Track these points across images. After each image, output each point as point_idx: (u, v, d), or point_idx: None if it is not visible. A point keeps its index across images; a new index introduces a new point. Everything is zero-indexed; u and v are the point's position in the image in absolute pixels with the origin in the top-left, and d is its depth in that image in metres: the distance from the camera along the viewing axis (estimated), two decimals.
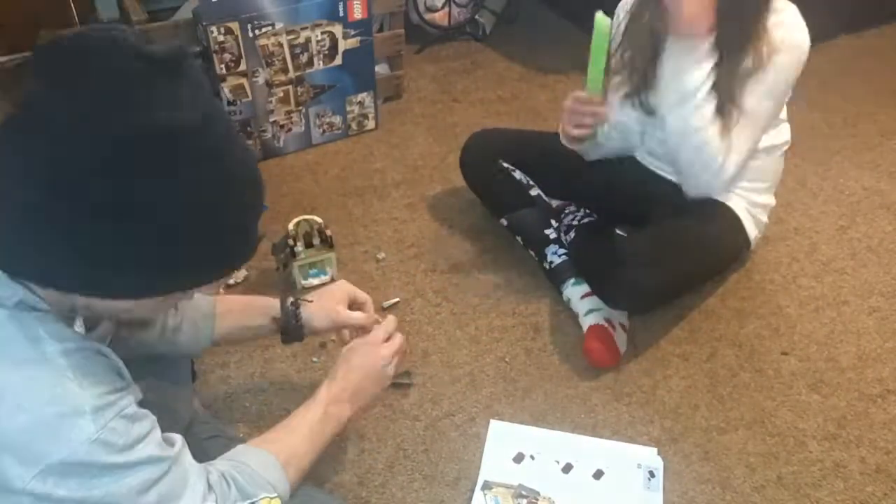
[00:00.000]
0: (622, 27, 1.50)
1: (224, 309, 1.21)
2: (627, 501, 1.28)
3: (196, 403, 1.36)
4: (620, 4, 1.54)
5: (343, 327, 1.29)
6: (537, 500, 1.27)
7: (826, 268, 1.77)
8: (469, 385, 1.48)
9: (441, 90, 2.42)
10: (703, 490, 1.31)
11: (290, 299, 1.24)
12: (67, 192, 0.69)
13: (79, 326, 0.86)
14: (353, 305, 1.28)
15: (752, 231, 1.61)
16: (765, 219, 1.64)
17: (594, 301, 1.54)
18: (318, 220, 1.65)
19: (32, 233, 0.71)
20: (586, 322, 1.54)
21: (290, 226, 1.63)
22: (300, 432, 1.06)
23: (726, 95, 1.38)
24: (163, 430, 1.01)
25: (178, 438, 0.89)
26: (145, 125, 0.69)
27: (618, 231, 1.65)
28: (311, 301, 1.24)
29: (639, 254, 1.46)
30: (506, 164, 1.72)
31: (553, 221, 1.69)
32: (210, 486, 0.89)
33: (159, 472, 0.81)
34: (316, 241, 1.64)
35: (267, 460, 0.99)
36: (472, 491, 1.29)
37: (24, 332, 0.74)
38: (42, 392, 0.73)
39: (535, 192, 1.71)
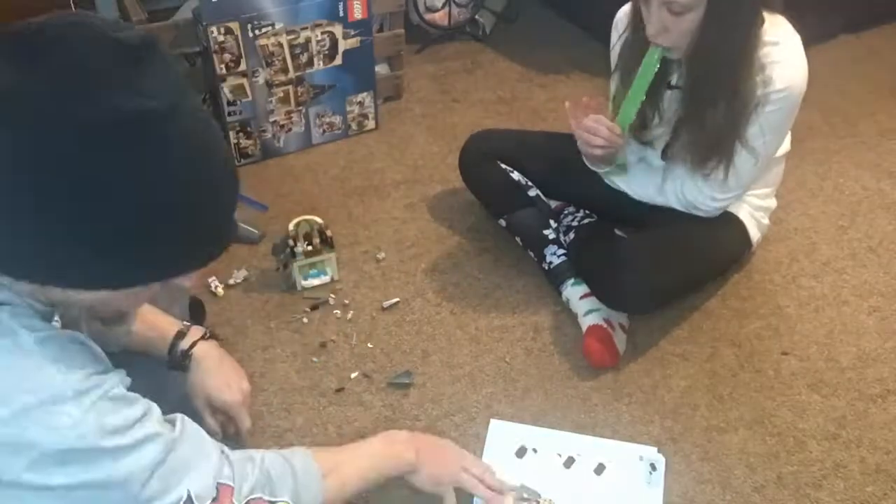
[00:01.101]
0: (616, 49, 1.51)
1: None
2: (628, 496, 1.28)
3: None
4: (615, 21, 1.52)
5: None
6: (539, 500, 1.27)
7: (826, 268, 1.77)
8: (469, 385, 1.48)
9: (441, 90, 2.42)
10: (703, 490, 1.31)
11: (182, 349, 1.22)
12: (32, 180, 0.68)
13: (56, 322, 0.86)
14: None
15: (755, 233, 1.61)
16: (766, 221, 1.64)
17: (593, 301, 1.54)
18: (319, 220, 1.65)
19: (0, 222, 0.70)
20: (586, 322, 1.54)
21: (290, 226, 1.63)
22: (355, 454, 1.07)
23: (713, 145, 1.39)
24: None
25: (178, 417, 0.88)
26: (110, 111, 0.68)
27: (617, 232, 1.65)
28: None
29: (640, 258, 1.46)
30: (504, 165, 1.72)
31: (552, 222, 1.69)
32: (230, 463, 0.89)
33: (163, 451, 0.80)
34: (316, 241, 1.64)
35: (310, 468, 0.98)
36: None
37: None
38: (21, 382, 0.72)
39: (533, 192, 1.71)
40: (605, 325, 1.51)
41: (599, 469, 1.32)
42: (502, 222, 1.73)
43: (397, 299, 1.66)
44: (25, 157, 0.68)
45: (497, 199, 1.75)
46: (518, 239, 1.72)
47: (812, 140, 2.19)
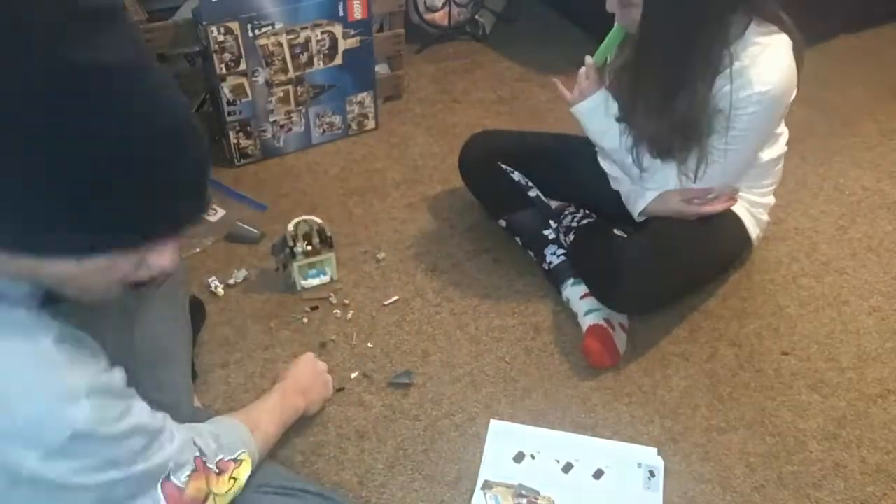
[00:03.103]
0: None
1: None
2: (627, 501, 1.28)
3: (196, 402, 1.37)
4: None
5: None
6: (537, 499, 1.27)
7: (826, 268, 1.77)
8: (469, 385, 1.48)
9: (441, 90, 2.42)
10: (703, 490, 1.31)
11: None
12: None
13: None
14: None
15: (754, 230, 1.61)
16: (766, 217, 1.64)
17: (593, 301, 1.54)
18: (318, 220, 1.65)
19: None
20: (586, 322, 1.53)
21: (290, 226, 1.62)
22: (263, 410, 1.22)
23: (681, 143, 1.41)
24: None
25: (159, 413, 0.93)
26: (62, 63, 0.66)
27: (616, 232, 1.65)
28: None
29: (640, 259, 1.46)
30: (504, 166, 1.72)
31: (552, 222, 1.69)
32: (199, 447, 0.98)
33: (149, 438, 0.87)
34: (315, 241, 1.64)
35: (239, 426, 1.11)
36: (473, 491, 1.29)
37: (10, 320, 0.76)
38: (37, 378, 0.76)
39: (533, 192, 1.71)
40: (605, 325, 1.51)
41: (598, 474, 1.32)
42: (502, 223, 1.73)
43: (397, 298, 1.66)
44: None
45: (497, 200, 1.75)
46: (518, 239, 1.72)
47: (812, 140, 2.19)
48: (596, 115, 1.52)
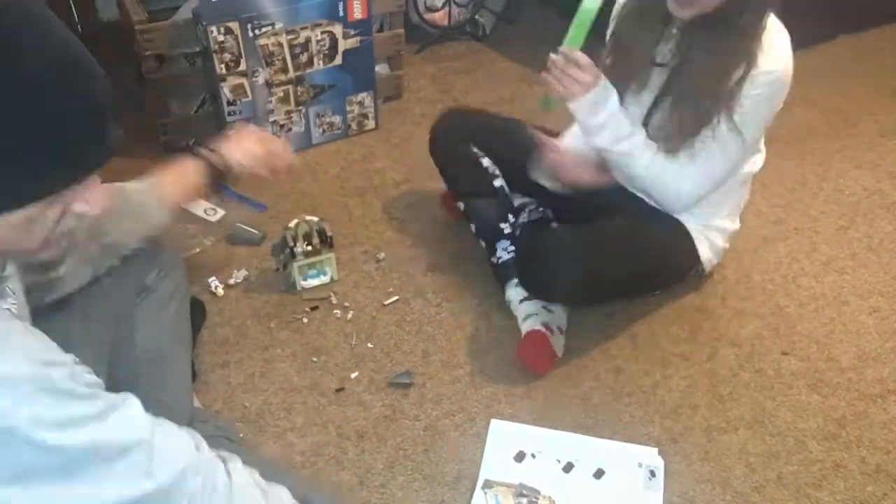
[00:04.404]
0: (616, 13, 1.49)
1: (167, 193, 1.20)
2: (627, 501, 1.28)
3: (196, 402, 1.37)
4: None
5: (265, 162, 1.34)
6: (538, 499, 1.27)
7: (826, 268, 1.77)
8: (469, 385, 1.48)
9: (441, 90, 2.42)
10: (703, 490, 1.31)
11: (202, 150, 1.27)
12: None
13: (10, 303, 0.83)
14: (264, 145, 1.35)
15: (705, 253, 1.56)
16: (722, 243, 1.59)
17: (532, 305, 1.53)
18: (318, 219, 1.65)
19: None
20: (524, 327, 1.53)
21: (290, 226, 1.62)
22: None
23: (688, 123, 1.36)
24: None
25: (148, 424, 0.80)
26: None
27: (553, 225, 1.63)
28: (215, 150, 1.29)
29: (562, 246, 1.43)
30: (476, 149, 1.68)
31: (511, 216, 1.65)
32: (199, 449, 0.84)
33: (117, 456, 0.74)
34: (315, 241, 1.64)
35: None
36: (473, 490, 1.29)
37: None
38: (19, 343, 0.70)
39: (498, 182, 1.67)
40: (543, 331, 1.50)
41: (599, 474, 1.32)
42: (461, 205, 1.70)
43: (397, 298, 1.66)
44: None
45: (461, 182, 1.72)
46: (472, 226, 1.68)
47: (812, 140, 2.19)
48: (598, 108, 1.40)
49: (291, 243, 1.61)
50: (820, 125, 2.26)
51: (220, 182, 1.28)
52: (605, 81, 1.39)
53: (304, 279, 1.66)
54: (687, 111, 1.37)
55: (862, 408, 1.45)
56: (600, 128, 1.41)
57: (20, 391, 0.67)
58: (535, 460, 1.34)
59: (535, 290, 1.50)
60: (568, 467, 1.33)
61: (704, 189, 1.45)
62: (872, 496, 1.30)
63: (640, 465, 1.33)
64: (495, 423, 1.40)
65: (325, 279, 1.68)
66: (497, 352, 1.55)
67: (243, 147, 1.30)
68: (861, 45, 2.69)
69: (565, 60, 1.36)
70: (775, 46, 1.32)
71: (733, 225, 1.60)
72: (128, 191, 1.15)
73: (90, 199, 0.76)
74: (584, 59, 1.36)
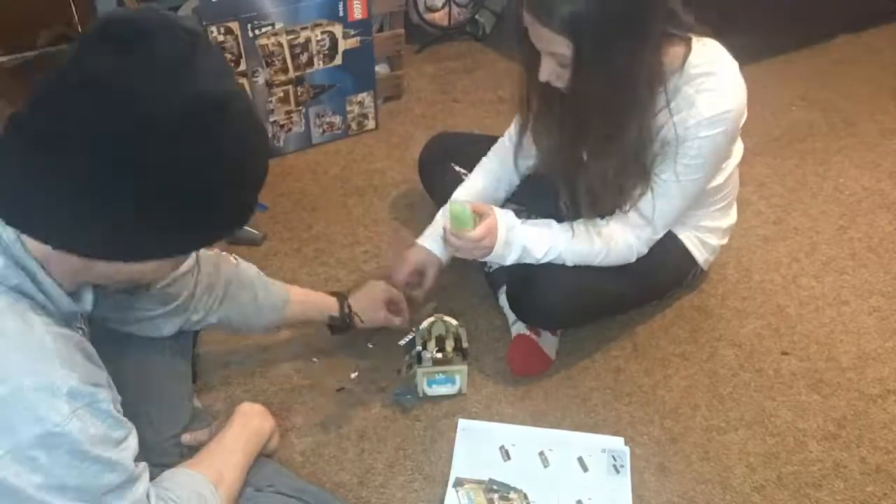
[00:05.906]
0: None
1: (296, 298, 1.36)
2: (597, 489, 1.29)
3: (196, 403, 1.37)
4: None
5: (383, 322, 1.49)
6: (509, 493, 1.28)
7: (826, 268, 1.77)
8: (469, 385, 1.48)
9: (441, 90, 2.42)
10: (703, 490, 1.31)
11: (347, 304, 1.44)
12: (112, 156, 0.72)
13: (79, 329, 0.87)
14: (391, 306, 1.49)
15: (701, 255, 1.55)
16: (717, 241, 1.57)
17: None
18: (457, 324, 1.44)
19: (67, 194, 0.73)
20: (514, 331, 1.53)
21: (424, 324, 1.42)
22: (225, 452, 1.07)
23: (622, 180, 1.32)
24: (163, 429, 1.01)
25: (141, 464, 0.87)
26: (195, 93, 0.74)
27: None
28: (358, 316, 1.45)
29: (552, 276, 1.39)
30: (458, 168, 1.69)
31: None
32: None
33: (120, 481, 0.81)
34: (450, 347, 1.42)
35: (200, 482, 0.98)
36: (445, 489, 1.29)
37: (14, 308, 0.75)
38: (25, 363, 0.74)
39: None
40: (530, 335, 1.49)
41: (568, 466, 1.33)
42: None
43: None
44: (105, 133, 0.72)
45: (446, 199, 1.70)
46: None
47: (812, 140, 2.19)
48: (508, 250, 1.35)
49: (420, 346, 1.41)
50: (820, 125, 2.26)
51: (336, 329, 1.45)
52: (506, 231, 1.33)
53: (429, 386, 1.45)
54: (608, 193, 1.34)
55: (862, 408, 1.45)
56: (519, 258, 1.37)
57: (75, 404, 0.75)
58: (505, 456, 1.35)
59: (531, 321, 1.49)
60: (537, 461, 1.34)
61: (664, 227, 1.40)
62: (872, 496, 1.30)
63: (603, 451, 1.35)
64: (463, 422, 1.40)
65: (453, 389, 1.45)
66: (497, 352, 1.55)
67: (369, 313, 1.46)
68: (861, 45, 2.68)
69: (460, 240, 1.32)
70: (719, 87, 1.26)
71: (728, 220, 1.57)
72: (252, 276, 1.31)
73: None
74: (477, 234, 1.30)
